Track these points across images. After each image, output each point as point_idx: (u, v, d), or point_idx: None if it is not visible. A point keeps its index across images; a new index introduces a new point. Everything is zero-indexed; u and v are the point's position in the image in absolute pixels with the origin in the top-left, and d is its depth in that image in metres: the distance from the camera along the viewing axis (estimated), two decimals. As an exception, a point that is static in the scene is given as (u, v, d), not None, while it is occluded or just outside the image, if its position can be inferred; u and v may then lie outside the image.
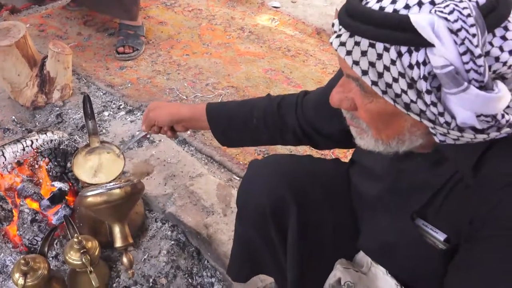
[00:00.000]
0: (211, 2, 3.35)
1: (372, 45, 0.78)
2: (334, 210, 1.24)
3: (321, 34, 3.04)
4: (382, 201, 1.11)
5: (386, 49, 0.77)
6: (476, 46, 0.72)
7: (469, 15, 0.72)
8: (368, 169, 1.17)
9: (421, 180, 1.00)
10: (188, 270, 1.70)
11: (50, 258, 1.67)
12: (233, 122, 1.37)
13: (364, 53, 0.80)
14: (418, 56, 0.75)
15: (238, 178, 2.01)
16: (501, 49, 0.75)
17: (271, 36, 3.01)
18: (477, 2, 0.75)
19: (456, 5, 0.73)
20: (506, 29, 0.75)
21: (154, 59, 2.77)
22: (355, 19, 0.80)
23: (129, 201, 1.47)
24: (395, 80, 0.78)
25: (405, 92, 0.79)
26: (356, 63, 0.81)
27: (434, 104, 0.78)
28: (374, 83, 0.80)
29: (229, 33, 3.03)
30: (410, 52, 0.76)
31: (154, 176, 1.95)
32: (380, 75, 0.80)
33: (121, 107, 2.40)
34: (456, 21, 0.72)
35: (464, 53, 0.73)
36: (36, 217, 1.72)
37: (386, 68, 0.78)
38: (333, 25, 0.90)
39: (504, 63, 0.75)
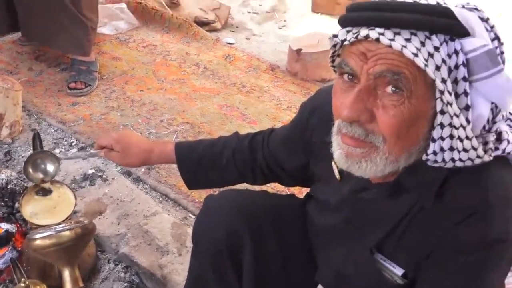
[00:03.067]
0: (166, 38, 3.35)
1: (414, 34, 0.81)
2: (290, 244, 1.25)
3: (275, 70, 3.09)
4: (339, 232, 1.12)
5: (428, 38, 0.81)
6: (499, 35, 0.82)
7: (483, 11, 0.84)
8: (325, 201, 1.18)
9: (378, 212, 1.01)
10: (142, 313, 1.65)
11: (-5, 305, 1.59)
12: (203, 164, 1.38)
13: (408, 40, 0.81)
14: (455, 44, 0.81)
15: (193, 216, 1.98)
16: None
17: (226, 72, 3.04)
18: None
19: (475, 4, 0.84)
20: None
21: (107, 95, 2.74)
22: (381, 10, 0.83)
23: (80, 243, 1.43)
24: (438, 68, 0.81)
25: (445, 82, 0.81)
26: (404, 46, 0.80)
27: (466, 94, 0.82)
28: (425, 65, 0.80)
29: (184, 69, 3.04)
30: (446, 42, 0.81)
31: (107, 215, 1.90)
32: (426, 62, 0.81)
33: (73, 144, 2.34)
34: (483, 11, 0.83)
35: (493, 39, 0.83)
36: (-19, 261, 1.64)
37: (431, 55, 0.81)
38: (334, 36, 0.91)
39: None
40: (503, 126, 0.90)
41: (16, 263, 1.60)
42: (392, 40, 0.80)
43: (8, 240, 1.70)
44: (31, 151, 1.90)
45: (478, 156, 0.84)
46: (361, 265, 1.05)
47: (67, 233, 1.39)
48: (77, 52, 2.78)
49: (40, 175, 1.63)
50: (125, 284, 1.70)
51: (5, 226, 1.73)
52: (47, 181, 1.63)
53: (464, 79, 0.80)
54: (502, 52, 0.84)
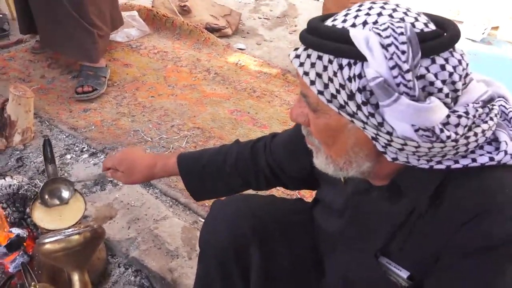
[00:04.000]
0: (177, 45, 3.37)
1: (319, 57, 0.84)
2: (297, 249, 1.24)
3: (286, 75, 3.08)
4: (344, 236, 1.11)
5: (330, 62, 0.82)
6: (405, 62, 0.77)
7: (401, 33, 0.77)
8: (329, 205, 1.18)
9: (381, 215, 1.00)
10: (152, 317, 1.65)
11: (6, 309, 1.60)
12: (206, 174, 1.37)
13: (313, 65, 0.85)
14: (355, 69, 0.80)
15: (204, 220, 1.98)
16: (435, 76, 0.79)
17: (237, 77, 3.04)
18: (422, 30, 0.81)
19: (392, 24, 0.79)
20: (446, 60, 0.80)
21: (119, 101, 2.76)
22: (307, 31, 0.87)
23: (89, 247, 1.43)
24: (338, 91, 0.83)
25: (347, 104, 0.83)
26: (306, 73, 0.85)
27: (372, 115, 0.81)
28: (320, 92, 0.84)
29: (194, 75, 3.05)
30: (349, 66, 0.81)
31: (117, 220, 1.91)
32: (326, 86, 0.84)
33: (84, 149, 2.36)
34: (388, 37, 0.78)
35: (393, 68, 0.77)
36: (-8, 266, 1.65)
37: (330, 80, 0.83)
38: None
39: (440, 90, 0.80)
40: (502, 135, 0.88)
41: (27, 267, 1.61)
42: (302, 64, 0.86)
43: (19, 245, 1.70)
44: (42, 158, 1.92)
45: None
46: (367, 270, 1.03)
47: (76, 237, 1.39)
48: (84, 58, 2.81)
49: (57, 201, 1.67)
50: (135, 287, 1.70)
51: (16, 231, 1.74)
52: (63, 203, 1.66)
53: (364, 103, 0.81)
54: (408, 80, 0.77)
